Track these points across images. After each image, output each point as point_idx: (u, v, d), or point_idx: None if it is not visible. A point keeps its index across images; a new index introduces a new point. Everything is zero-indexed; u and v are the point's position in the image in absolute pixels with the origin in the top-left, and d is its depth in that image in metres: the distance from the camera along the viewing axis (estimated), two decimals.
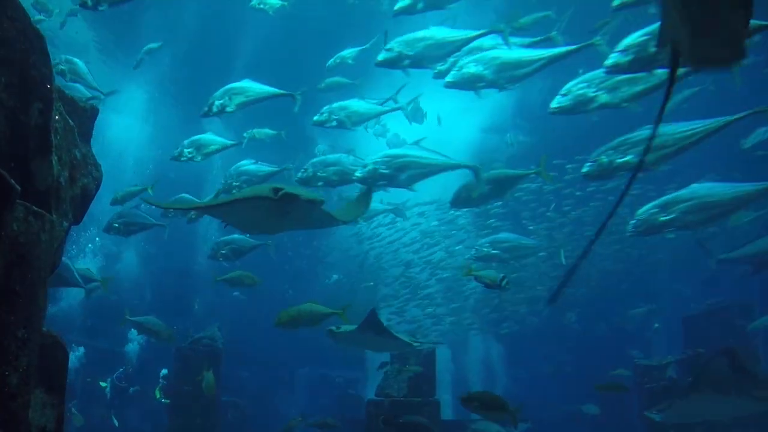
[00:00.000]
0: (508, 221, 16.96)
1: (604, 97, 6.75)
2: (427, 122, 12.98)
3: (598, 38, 6.61)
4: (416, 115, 12.63)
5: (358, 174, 8.27)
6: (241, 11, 12.78)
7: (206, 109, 9.13)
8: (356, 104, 8.82)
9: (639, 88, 6.54)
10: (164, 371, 16.80)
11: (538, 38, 7.45)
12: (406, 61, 7.52)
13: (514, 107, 14.30)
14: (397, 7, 7.80)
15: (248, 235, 10.66)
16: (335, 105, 8.88)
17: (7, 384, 2.77)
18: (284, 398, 23.97)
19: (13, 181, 2.81)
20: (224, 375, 13.61)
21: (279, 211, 5.46)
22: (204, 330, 14.27)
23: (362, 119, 8.82)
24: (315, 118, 8.95)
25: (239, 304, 21.61)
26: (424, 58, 7.48)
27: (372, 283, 21.29)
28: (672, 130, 6.51)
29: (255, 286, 10.75)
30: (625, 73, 6.34)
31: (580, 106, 6.94)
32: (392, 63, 7.61)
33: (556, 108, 7.11)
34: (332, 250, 22.04)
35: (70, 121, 3.88)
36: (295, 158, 10.28)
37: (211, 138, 10.19)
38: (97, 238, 20.10)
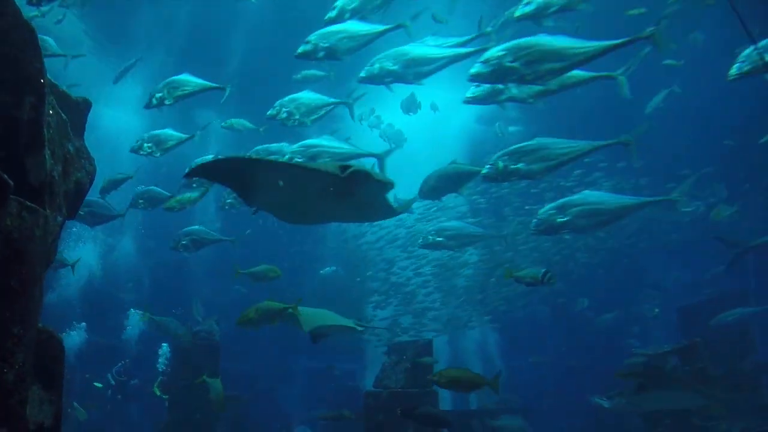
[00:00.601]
0: (493, 217, 17.02)
1: (512, 91, 7.27)
2: (422, 112, 13.00)
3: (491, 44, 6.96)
4: (411, 105, 12.65)
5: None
6: (234, 6, 12.75)
7: (147, 100, 9.28)
8: (305, 96, 8.95)
9: (542, 86, 7.03)
10: (165, 345, 16.75)
11: (471, 36, 7.58)
12: (321, 53, 7.76)
13: None
14: (326, 17, 8.11)
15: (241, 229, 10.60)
16: (286, 98, 8.98)
17: (4, 381, 2.76)
18: (284, 391, 24.00)
19: (6, 177, 2.79)
20: (223, 368, 13.62)
21: (342, 192, 4.72)
22: (202, 323, 14.27)
23: (309, 109, 8.91)
24: (267, 112, 9.04)
25: (239, 296, 21.60)
26: (337, 50, 7.72)
27: (359, 279, 21.39)
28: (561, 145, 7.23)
29: (278, 278, 10.59)
30: (486, 82, 6.89)
31: (491, 97, 7.44)
32: (309, 55, 7.85)
33: (470, 98, 7.54)
34: (328, 247, 22.06)
35: (62, 115, 3.85)
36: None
37: (170, 133, 10.19)
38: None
